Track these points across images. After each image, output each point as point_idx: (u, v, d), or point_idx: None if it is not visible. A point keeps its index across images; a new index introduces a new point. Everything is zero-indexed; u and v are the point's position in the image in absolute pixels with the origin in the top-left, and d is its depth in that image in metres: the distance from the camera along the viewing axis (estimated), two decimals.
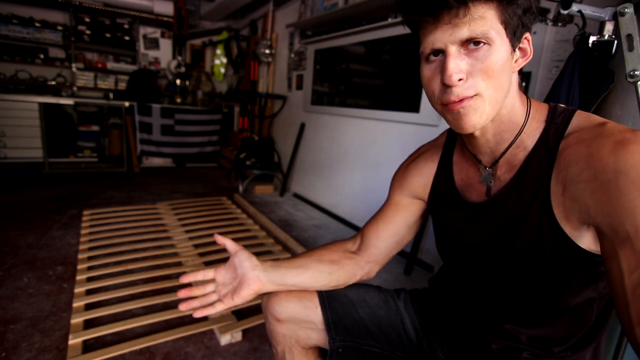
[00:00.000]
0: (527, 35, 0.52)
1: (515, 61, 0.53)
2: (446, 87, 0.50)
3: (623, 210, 0.42)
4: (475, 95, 0.50)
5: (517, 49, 0.52)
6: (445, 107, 0.52)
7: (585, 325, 0.60)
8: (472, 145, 0.61)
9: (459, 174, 0.67)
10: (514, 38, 0.50)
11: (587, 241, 0.51)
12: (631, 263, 0.40)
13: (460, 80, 0.49)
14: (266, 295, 0.76)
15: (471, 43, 0.48)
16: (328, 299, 0.75)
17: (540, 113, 0.56)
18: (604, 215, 0.44)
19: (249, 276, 0.67)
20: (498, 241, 0.59)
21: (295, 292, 0.74)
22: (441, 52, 0.50)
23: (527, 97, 0.58)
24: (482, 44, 0.48)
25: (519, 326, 0.62)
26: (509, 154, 0.57)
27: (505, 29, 0.48)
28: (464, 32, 0.47)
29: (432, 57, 0.51)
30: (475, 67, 0.48)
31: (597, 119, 0.51)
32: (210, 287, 0.69)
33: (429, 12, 0.47)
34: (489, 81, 0.49)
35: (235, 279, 0.68)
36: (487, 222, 0.61)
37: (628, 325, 0.40)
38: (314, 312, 0.74)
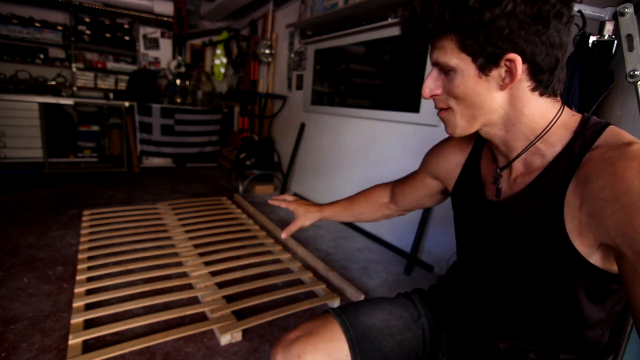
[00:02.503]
0: (510, 56, 0.49)
1: (503, 80, 0.51)
2: None
3: None
4: (448, 108, 0.58)
5: (501, 70, 0.51)
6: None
7: (592, 344, 0.59)
8: (491, 145, 0.63)
9: (484, 168, 0.68)
10: (485, 62, 0.50)
11: (595, 258, 0.51)
12: None
13: (435, 95, 0.58)
14: (281, 350, 0.67)
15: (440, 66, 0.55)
16: (357, 339, 0.69)
17: (570, 123, 0.55)
18: (626, 238, 0.44)
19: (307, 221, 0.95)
20: (509, 243, 0.59)
21: (321, 341, 0.67)
22: None
23: (563, 106, 0.56)
24: (448, 69, 0.54)
25: (526, 328, 0.62)
26: (523, 159, 0.58)
27: (469, 55, 0.51)
28: (434, 58, 0.55)
29: None
30: (446, 86, 0.56)
31: (626, 137, 0.49)
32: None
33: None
34: (457, 100, 0.55)
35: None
36: (500, 222, 0.61)
37: None
38: None
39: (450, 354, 0.73)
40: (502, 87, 0.52)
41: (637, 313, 0.43)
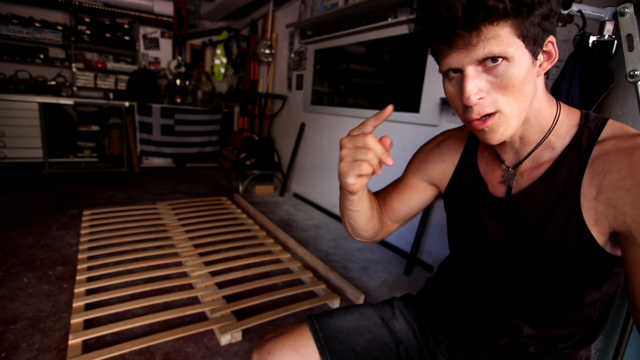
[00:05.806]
0: (551, 38, 0.50)
1: (540, 65, 0.51)
2: (467, 106, 0.51)
3: None
4: (496, 112, 0.50)
5: (540, 54, 0.51)
6: (470, 123, 0.53)
7: (586, 324, 0.61)
8: (497, 145, 0.59)
9: (483, 166, 0.66)
10: (535, 47, 0.48)
11: (607, 245, 0.53)
12: None
13: (480, 99, 0.49)
14: (256, 349, 0.71)
15: (489, 60, 0.47)
16: (325, 340, 0.70)
17: (571, 117, 0.56)
18: None
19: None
20: (519, 238, 0.59)
21: (290, 339, 0.70)
22: (459, 70, 0.50)
23: (556, 100, 0.57)
24: (500, 60, 0.47)
25: (526, 322, 0.63)
26: (534, 154, 0.58)
27: (524, 41, 0.47)
28: (479, 53, 0.47)
29: (452, 74, 0.52)
30: (495, 83, 0.49)
31: (630, 129, 0.52)
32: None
33: (442, 40, 0.48)
34: (510, 96, 0.49)
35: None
36: (510, 218, 0.60)
37: None
38: (313, 359, 0.69)
39: (450, 355, 0.73)
40: (539, 73, 0.52)
41: (636, 298, 0.46)
